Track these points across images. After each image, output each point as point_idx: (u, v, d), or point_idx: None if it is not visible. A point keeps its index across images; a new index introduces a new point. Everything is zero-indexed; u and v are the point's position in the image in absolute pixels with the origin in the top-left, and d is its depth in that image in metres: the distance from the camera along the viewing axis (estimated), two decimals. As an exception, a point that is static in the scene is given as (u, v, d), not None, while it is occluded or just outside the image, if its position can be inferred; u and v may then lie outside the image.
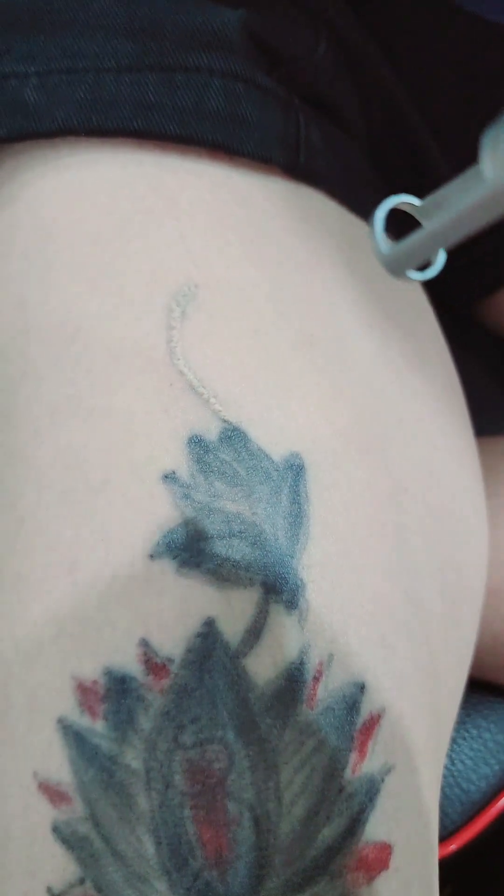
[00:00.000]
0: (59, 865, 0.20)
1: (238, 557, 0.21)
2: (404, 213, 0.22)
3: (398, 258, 0.21)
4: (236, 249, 0.26)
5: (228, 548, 0.21)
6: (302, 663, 0.21)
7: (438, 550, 0.27)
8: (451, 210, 0.19)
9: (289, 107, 0.28)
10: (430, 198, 0.21)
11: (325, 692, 0.21)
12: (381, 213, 0.21)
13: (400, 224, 0.22)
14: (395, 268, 0.21)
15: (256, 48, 0.28)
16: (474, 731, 0.38)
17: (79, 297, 0.24)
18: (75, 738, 0.20)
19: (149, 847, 0.20)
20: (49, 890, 0.20)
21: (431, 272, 0.21)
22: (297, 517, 0.23)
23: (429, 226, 0.20)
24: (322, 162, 0.29)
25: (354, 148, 0.33)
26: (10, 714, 0.21)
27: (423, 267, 0.21)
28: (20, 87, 0.26)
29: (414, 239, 0.20)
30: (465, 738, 0.38)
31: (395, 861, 0.22)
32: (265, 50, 0.28)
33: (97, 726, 0.20)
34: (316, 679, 0.21)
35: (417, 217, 0.21)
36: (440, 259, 0.21)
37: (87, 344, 0.24)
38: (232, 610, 0.21)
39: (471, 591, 0.29)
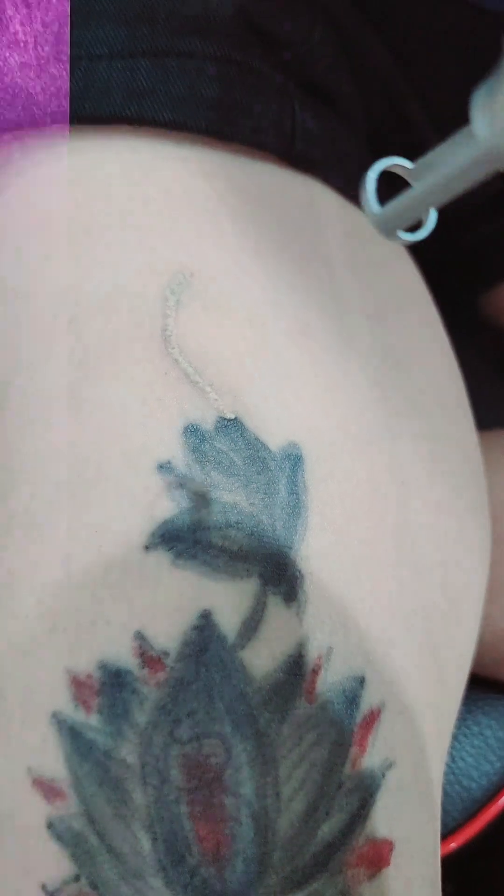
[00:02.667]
0: (54, 862, 0.19)
1: (235, 549, 0.21)
2: (396, 182, 0.21)
3: (389, 218, 0.21)
4: (231, 238, 0.25)
5: (225, 539, 0.21)
6: (301, 656, 0.21)
7: (439, 545, 0.27)
8: (442, 170, 0.19)
9: (284, 93, 0.28)
10: (422, 160, 0.20)
11: (324, 686, 0.21)
12: (372, 175, 0.21)
13: (393, 191, 0.22)
14: (386, 228, 0.21)
15: (251, 33, 0.28)
16: (475, 728, 0.38)
17: (72, 288, 0.24)
18: (70, 733, 0.20)
19: (144, 843, 0.19)
20: (43, 887, 0.19)
21: (422, 233, 0.21)
22: (294, 508, 0.22)
23: (420, 185, 0.20)
24: (318, 149, 0.29)
25: (352, 135, 0.33)
26: (3, 709, 0.21)
27: (413, 228, 0.21)
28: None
29: (405, 198, 0.20)
30: (466, 735, 0.38)
31: (397, 858, 0.21)
32: (260, 35, 0.28)
33: (92, 720, 0.20)
34: (315, 672, 0.21)
35: (409, 179, 0.21)
36: (431, 220, 0.21)
37: (81, 334, 0.23)
38: (229, 602, 0.21)
39: (472, 585, 0.29)
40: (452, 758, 0.38)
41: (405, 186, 0.21)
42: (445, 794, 0.37)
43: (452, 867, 0.34)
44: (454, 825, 0.37)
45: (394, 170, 0.21)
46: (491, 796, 0.37)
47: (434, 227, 0.21)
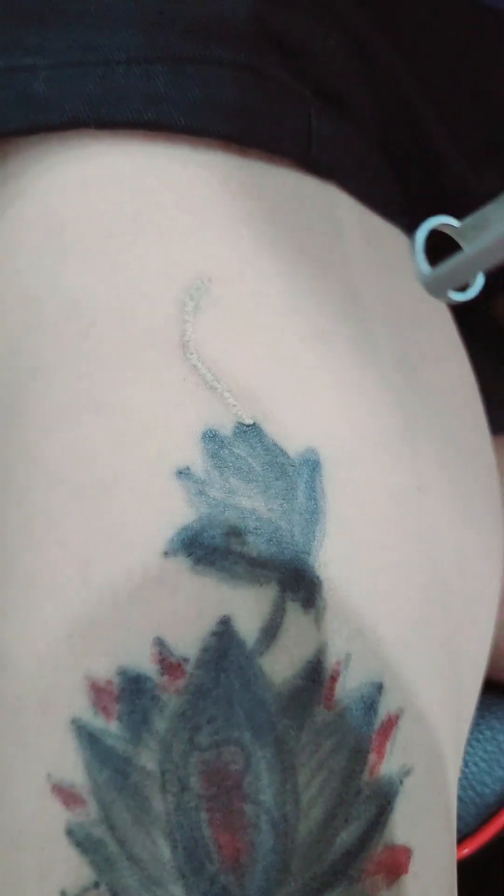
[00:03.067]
0: (73, 869, 0.19)
1: (254, 554, 0.21)
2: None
3: (439, 280, 0.21)
4: (249, 243, 0.25)
5: (244, 545, 0.21)
6: (319, 662, 0.21)
7: (456, 550, 0.27)
8: (492, 233, 0.19)
9: (300, 99, 0.28)
10: (470, 219, 0.20)
11: (342, 692, 0.21)
12: (421, 235, 0.21)
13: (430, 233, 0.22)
14: (436, 289, 0.21)
15: (267, 39, 0.28)
16: (488, 733, 0.38)
17: (90, 292, 0.24)
18: (89, 740, 0.20)
19: (164, 850, 0.19)
20: (63, 894, 0.19)
21: (471, 293, 0.21)
22: (313, 513, 0.22)
23: (469, 249, 0.20)
24: (334, 154, 0.29)
25: (367, 142, 0.33)
26: (23, 715, 0.21)
27: (463, 287, 0.21)
28: (30, 81, 0.26)
29: (454, 262, 0.20)
30: (479, 741, 0.38)
31: (415, 865, 0.21)
32: (276, 41, 0.28)
33: (111, 727, 0.20)
34: (333, 679, 0.21)
35: (457, 239, 0.21)
36: (479, 280, 0.21)
37: (100, 339, 0.23)
38: (248, 608, 0.21)
39: (487, 590, 0.29)
40: (466, 763, 0.38)
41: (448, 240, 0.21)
42: (459, 799, 0.37)
43: (466, 873, 0.34)
44: (467, 831, 0.36)
45: (441, 229, 0.21)
46: (504, 802, 0.37)
47: (482, 286, 0.21)
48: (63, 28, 0.27)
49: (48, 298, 0.24)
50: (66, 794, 0.20)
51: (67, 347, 0.23)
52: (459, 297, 0.21)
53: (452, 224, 0.21)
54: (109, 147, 0.26)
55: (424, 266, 0.21)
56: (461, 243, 0.21)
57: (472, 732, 0.38)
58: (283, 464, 0.22)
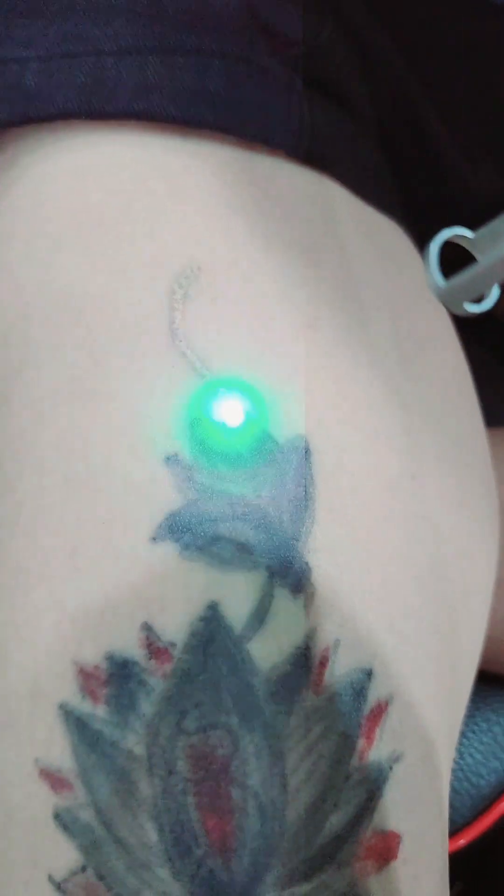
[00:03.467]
0: (61, 853, 0.20)
1: (242, 540, 0.21)
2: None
3: (454, 293, 0.21)
4: (240, 232, 0.25)
5: (232, 531, 0.21)
6: (308, 648, 0.21)
7: (450, 539, 0.27)
8: None
9: (292, 89, 0.28)
10: (485, 229, 0.20)
11: (331, 678, 0.21)
12: (434, 248, 0.21)
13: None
14: (451, 301, 0.21)
15: (259, 30, 0.28)
16: (484, 725, 0.38)
17: (81, 281, 0.24)
18: (77, 724, 0.20)
19: (151, 834, 0.19)
20: (51, 878, 0.19)
21: (487, 304, 0.21)
22: (302, 500, 0.22)
23: (484, 260, 0.20)
24: (327, 147, 0.29)
25: (363, 135, 0.33)
26: (11, 701, 0.21)
27: (478, 298, 0.21)
28: (21, 72, 0.26)
29: (469, 274, 0.20)
30: (474, 732, 0.38)
31: (405, 851, 0.21)
32: (268, 32, 0.28)
33: (99, 711, 0.20)
34: (322, 664, 0.21)
35: (471, 250, 0.21)
36: (495, 291, 0.21)
37: (90, 327, 0.23)
38: (236, 594, 0.21)
39: (482, 579, 0.29)
40: (461, 754, 0.38)
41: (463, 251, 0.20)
42: (453, 790, 0.37)
43: (462, 865, 0.34)
44: (463, 822, 0.36)
45: (455, 240, 0.21)
46: (500, 793, 0.37)
47: (498, 297, 0.21)
48: (53, 20, 0.27)
49: (39, 288, 0.24)
50: (54, 779, 0.20)
51: (58, 336, 0.24)
52: (475, 308, 0.21)
53: (466, 235, 0.21)
54: (100, 137, 0.26)
55: (439, 278, 0.21)
56: (476, 254, 0.21)
57: (467, 724, 0.38)
58: (272, 451, 0.22)
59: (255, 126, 0.27)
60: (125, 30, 0.26)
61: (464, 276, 0.20)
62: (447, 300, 0.21)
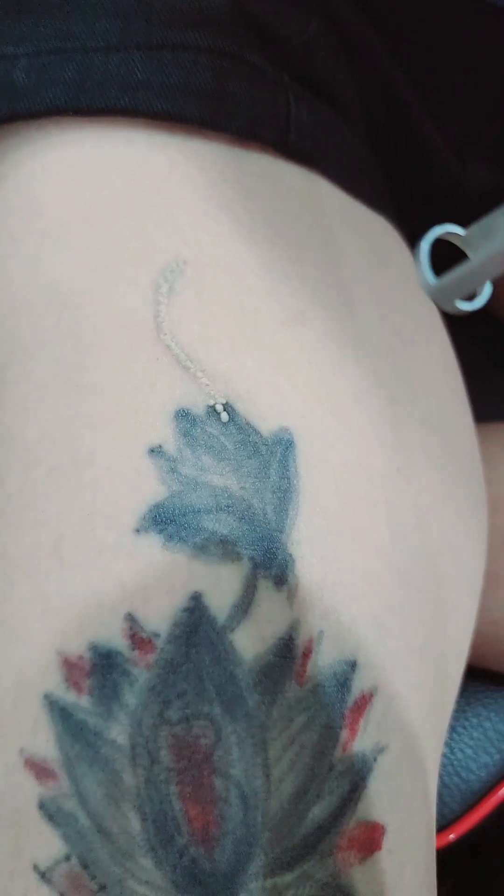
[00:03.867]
0: (45, 842, 0.20)
1: (226, 532, 0.21)
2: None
3: (445, 290, 0.21)
4: (226, 227, 0.25)
5: (216, 522, 0.21)
6: (291, 639, 0.21)
7: (436, 532, 0.27)
8: (499, 241, 0.19)
9: (278, 85, 0.28)
10: (476, 227, 0.20)
11: (314, 669, 0.21)
12: (426, 245, 0.21)
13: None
14: (443, 299, 0.21)
15: (245, 25, 0.28)
16: (474, 720, 0.38)
17: (67, 275, 0.24)
18: (61, 714, 0.20)
19: (134, 823, 0.19)
20: (35, 867, 0.20)
21: (479, 302, 0.21)
22: (285, 492, 0.22)
23: (475, 258, 0.20)
24: (314, 141, 0.29)
25: (350, 131, 0.33)
26: None
27: (470, 296, 0.21)
28: (9, 69, 0.26)
29: (461, 271, 0.20)
30: (465, 727, 0.38)
31: (389, 842, 0.22)
32: (254, 27, 0.28)
33: (82, 701, 0.20)
34: (305, 655, 0.21)
35: (462, 248, 0.21)
36: (486, 289, 0.21)
37: (76, 321, 0.24)
38: (219, 585, 0.21)
39: (468, 573, 0.29)
40: (451, 749, 0.38)
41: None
42: (443, 785, 0.37)
43: (452, 860, 0.34)
44: (453, 817, 0.37)
45: (447, 238, 0.21)
46: (490, 788, 0.37)
47: (489, 296, 0.21)
48: (42, 17, 0.27)
49: (27, 282, 0.25)
50: (39, 769, 0.20)
51: (44, 330, 0.24)
52: (467, 306, 0.21)
53: (458, 233, 0.21)
54: (88, 133, 0.26)
55: (430, 276, 0.21)
56: (467, 252, 0.21)
57: (457, 719, 0.38)
58: (256, 442, 0.22)
59: (241, 121, 0.27)
60: (112, 27, 0.27)
61: (455, 274, 0.20)
62: (439, 298, 0.21)
